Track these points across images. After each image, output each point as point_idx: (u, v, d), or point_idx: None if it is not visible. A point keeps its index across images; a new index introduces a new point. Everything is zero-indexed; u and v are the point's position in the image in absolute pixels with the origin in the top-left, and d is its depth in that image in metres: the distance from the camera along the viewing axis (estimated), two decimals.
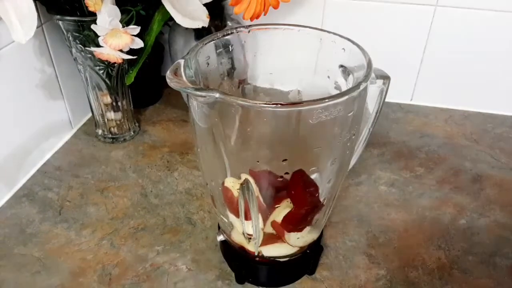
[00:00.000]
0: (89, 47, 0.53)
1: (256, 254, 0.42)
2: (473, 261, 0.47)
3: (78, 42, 0.54)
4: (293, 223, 0.39)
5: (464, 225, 0.51)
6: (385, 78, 0.39)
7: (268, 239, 0.41)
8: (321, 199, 0.40)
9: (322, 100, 0.31)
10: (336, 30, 0.39)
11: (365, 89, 0.34)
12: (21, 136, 0.56)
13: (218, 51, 0.40)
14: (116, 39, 0.48)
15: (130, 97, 0.63)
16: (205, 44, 0.39)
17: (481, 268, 0.46)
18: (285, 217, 0.39)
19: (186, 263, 0.47)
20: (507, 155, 0.62)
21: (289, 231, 0.40)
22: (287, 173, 0.37)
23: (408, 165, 0.60)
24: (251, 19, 0.43)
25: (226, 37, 0.40)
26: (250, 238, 0.40)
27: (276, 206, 0.39)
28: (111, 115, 0.62)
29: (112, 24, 0.47)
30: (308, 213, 0.40)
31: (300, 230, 0.40)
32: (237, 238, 0.42)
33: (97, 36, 0.48)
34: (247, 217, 0.39)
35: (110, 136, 0.64)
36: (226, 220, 0.42)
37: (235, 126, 0.34)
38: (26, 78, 0.56)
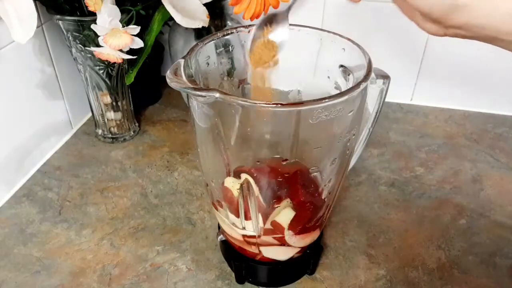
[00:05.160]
0: (89, 47, 0.53)
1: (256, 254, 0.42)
2: (473, 261, 0.47)
3: (78, 42, 0.54)
4: (301, 225, 0.39)
5: (464, 225, 0.51)
6: (385, 78, 0.39)
7: (268, 239, 0.40)
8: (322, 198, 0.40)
9: (322, 100, 0.31)
10: (336, 30, 0.39)
11: (365, 89, 0.34)
12: (21, 136, 0.56)
13: (218, 51, 0.41)
14: (116, 39, 0.48)
15: (130, 97, 0.63)
16: (205, 44, 0.39)
17: (481, 268, 0.46)
18: (292, 222, 0.39)
19: (186, 263, 0.47)
20: (507, 155, 0.62)
21: (298, 234, 0.40)
22: (287, 173, 0.37)
23: (408, 165, 0.60)
24: (251, 19, 0.43)
25: (226, 37, 0.40)
26: (249, 240, 0.40)
27: (276, 206, 0.39)
28: (111, 115, 0.62)
29: (112, 24, 0.47)
30: (312, 213, 0.40)
31: (308, 231, 0.41)
32: (237, 238, 0.42)
33: (97, 36, 0.48)
34: (247, 217, 0.39)
35: (110, 136, 0.64)
36: (226, 220, 0.42)
37: (235, 126, 0.34)
38: (26, 78, 0.56)
